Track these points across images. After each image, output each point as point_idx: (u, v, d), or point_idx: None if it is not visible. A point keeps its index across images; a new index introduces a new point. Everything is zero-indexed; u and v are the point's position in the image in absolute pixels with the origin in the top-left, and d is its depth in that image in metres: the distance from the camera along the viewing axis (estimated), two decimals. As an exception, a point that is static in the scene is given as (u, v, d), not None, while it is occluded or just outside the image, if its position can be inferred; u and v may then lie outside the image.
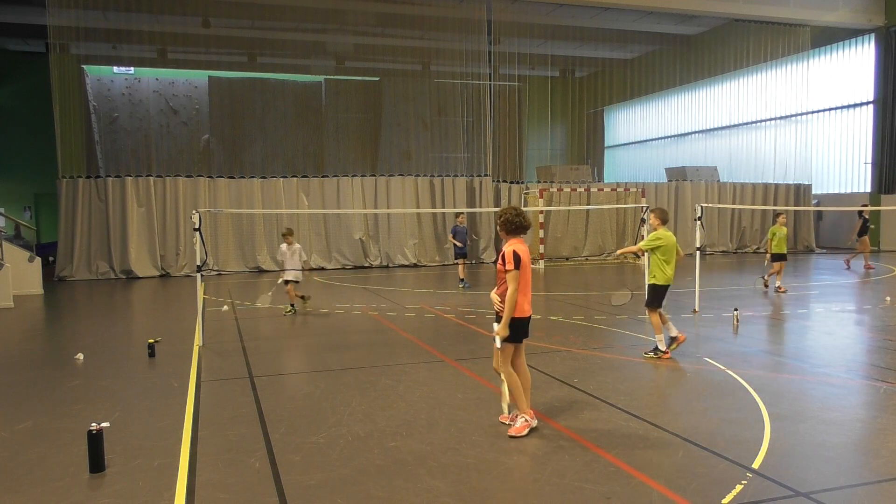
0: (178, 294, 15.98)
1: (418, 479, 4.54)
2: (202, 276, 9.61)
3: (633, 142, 35.43)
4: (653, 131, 33.76)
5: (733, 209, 24.91)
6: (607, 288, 15.48)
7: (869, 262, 18.48)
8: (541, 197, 21.45)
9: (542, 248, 20.91)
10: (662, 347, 8.00)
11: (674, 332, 8.12)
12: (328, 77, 26.92)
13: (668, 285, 8.16)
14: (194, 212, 9.17)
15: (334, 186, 21.60)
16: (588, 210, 22.43)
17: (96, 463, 4.75)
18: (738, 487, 4.32)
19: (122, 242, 19.43)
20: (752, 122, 28.08)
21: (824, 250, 25.55)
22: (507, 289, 5.38)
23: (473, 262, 22.05)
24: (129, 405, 6.45)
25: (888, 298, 12.45)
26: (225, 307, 11.51)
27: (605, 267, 20.68)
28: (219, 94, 25.79)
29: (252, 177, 21.44)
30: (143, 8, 21.62)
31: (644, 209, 11.02)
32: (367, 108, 27.08)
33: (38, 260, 15.77)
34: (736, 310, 10.42)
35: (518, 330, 5.44)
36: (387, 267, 21.62)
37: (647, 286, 8.49)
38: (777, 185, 26.14)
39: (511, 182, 24.33)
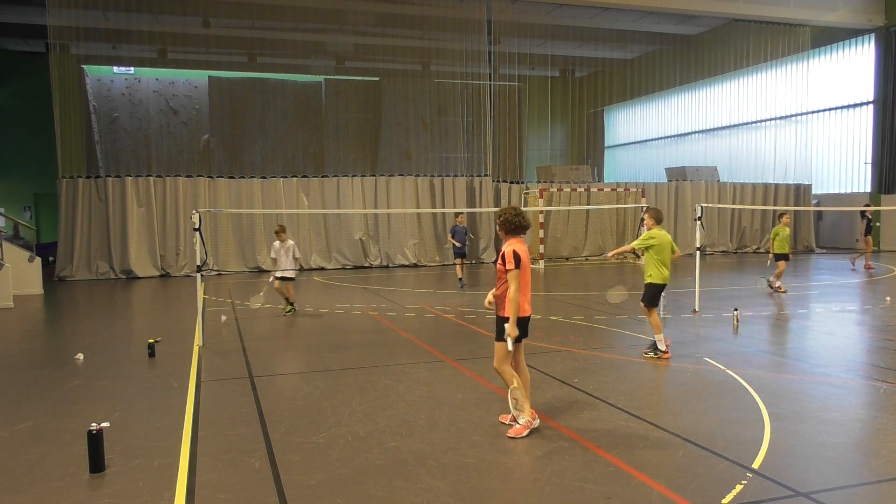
0: (178, 294, 15.98)
1: (418, 479, 4.54)
2: (202, 276, 9.61)
3: (633, 142, 35.44)
4: (653, 131, 33.76)
5: (733, 209, 24.91)
6: (607, 288, 15.43)
7: (869, 262, 18.49)
8: (541, 197, 21.45)
9: (542, 248, 20.91)
10: (662, 347, 8.01)
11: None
12: (328, 77, 26.92)
13: (665, 284, 8.20)
14: (194, 212, 9.16)
15: (334, 186, 21.60)
16: (588, 210, 22.43)
17: (96, 463, 4.75)
18: (738, 487, 4.32)
19: (122, 242, 19.43)
20: (752, 122, 28.08)
21: (824, 250, 25.56)
22: (506, 288, 5.39)
23: (473, 262, 22.06)
24: (129, 405, 6.45)
25: (888, 298, 12.45)
26: (224, 317, 11.45)
27: (605, 267, 20.68)
28: (219, 94, 25.79)
29: (252, 177, 21.45)
30: (143, 8, 21.62)
31: (644, 209, 11.03)
32: (367, 108, 27.09)
33: (38, 260, 15.77)
34: (736, 310, 10.43)
35: (518, 329, 5.44)
36: (387, 267, 21.62)
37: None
38: (777, 185, 26.13)
39: (511, 182, 24.34)
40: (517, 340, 5.47)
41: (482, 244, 22.86)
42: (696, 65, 29.09)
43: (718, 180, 26.35)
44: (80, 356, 8.39)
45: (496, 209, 6.98)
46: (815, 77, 26.63)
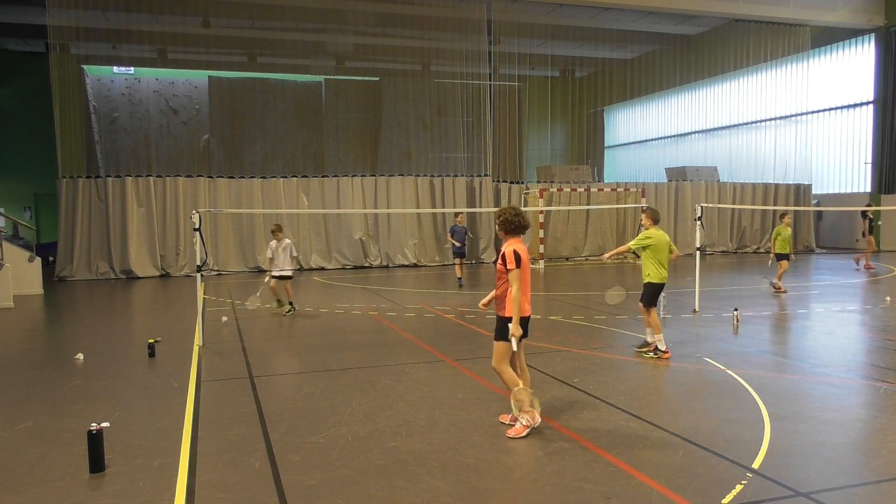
0: (178, 294, 15.98)
1: (418, 479, 4.54)
2: (202, 276, 9.61)
3: (633, 142, 35.44)
4: (653, 131, 33.76)
5: (733, 209, 24.91)
6: (607, 288, 15.42)
7: (869, 262, 18.50)
8: (541, 197, 21.45)
9: (542, 248, 20.91)
10: (662, 347, 8.01)
11: (650, 339, 8.27)
12: (328, 77, 26.93)
13: (663, 283, 8.21)
14: (194, 212, 9.16)
15: (334, 186, 21.60)
16: (588, 210, 22.43)
17: (96, 463, 4.75)
18: (738, 487, 4.32)
19: (122, 242, 19.43)
20: (752, 122, 28.08)
21: (824, 250, 25.56)
22: (507, 288, 5.40)
23: (473, 262, 22.07)
24: (129, 405, 6.45)
25: (888, 298, 12.46)
26: (224, 318, 11.47)
27: (605, 267, 20.67)
28: (219, 94, 25.80)
29: (252, 177, 21.45)
30: (143, 8, 21.62)
31: (643, 209, 11.03)
32: (367, 108, 27.09)
33: (38, 260, 15.76)
34: (736, 310, 10.43)
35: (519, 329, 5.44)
36: (387, 267, 21.62)
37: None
38: (777, 185, 26.13)
39: (511, 182, 24.34)
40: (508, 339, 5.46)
41: (482, 244, 22.86)
42: (696, 65, 29.09)
43: (718, 180, 26.35)
44: (80, 356, 8.39)
45: (496, 209, 6.98)
46: (815, 77, 26.63)
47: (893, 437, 5.25)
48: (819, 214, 26.95)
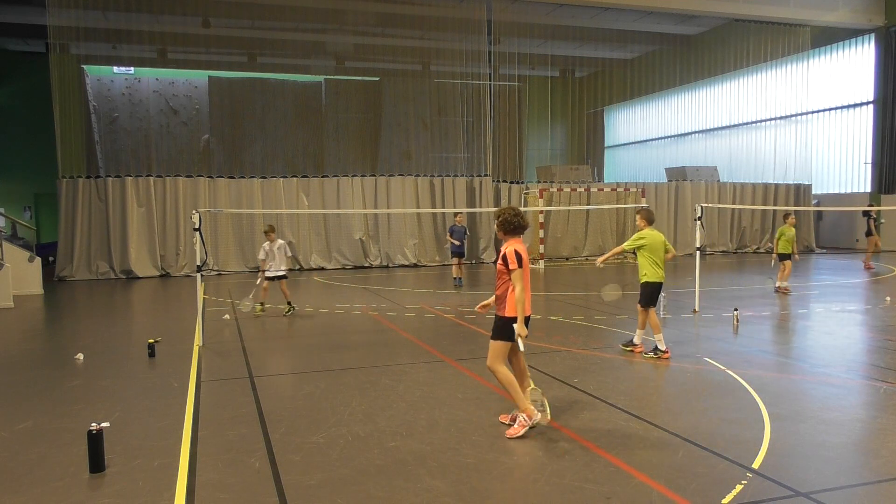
0: (178, 294, 15.98)
1: (418, 479, 4.54)
2: (202, 276, 9.61)
3: (633, 142, 35.44)
4: (653, 131, 33.76)
5: (733, 209, 24.91)
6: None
7: (869, 262, 18.50)
8: (541, 197, 21.45)
9: (542, 248, 20.91)
10: (662, 347, 8.01)
11: (637, 339, 8.29)
12: (328, 77, 26.93)
13: (661, 283, 8.22)
14: (194, 212, 9.16)
15: (334, 186, 21.60)
16: (588, 210, 22.43)
17: (96, 463, 4.75)
18: (738, 487, 4.32)
19: (122, 242, 19.43)
20: (752, 122, 28.08)
21: (824, 250, 25.55)
22: (507, 288, 5.41)
23: (473, 262, 22.07)
24: (129, 405, 6.45)
25: (888, 298, 12.46)
26: (227, 316, 11.50)
27: (604, 267, 20.60)
28: (219, 94, 25.80)
29: (252, 177, 21.45)
30: (143, 8, 21.63)
31: (638, 210, 11.04)
32: (367, 108, 27.09)
33: (38, 260, 15.77)
34: (736, 310, 10.43)
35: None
36: (387, 267, 21.62)
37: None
38: (777, 185, 26.13)
39: (511, 182, 24.34)
40: (515, 340, 5.47)
41: (482, 244, 22.86)
42: (696, 65, 29.09)
43: (718, 180, 26.36)
44: (80, 356, 8.39)
45: (496, 209, 6.98)
46: (815, 77, 26.63)
47: (893, 437, 5.25)
48: (819, 214, 26.95)
